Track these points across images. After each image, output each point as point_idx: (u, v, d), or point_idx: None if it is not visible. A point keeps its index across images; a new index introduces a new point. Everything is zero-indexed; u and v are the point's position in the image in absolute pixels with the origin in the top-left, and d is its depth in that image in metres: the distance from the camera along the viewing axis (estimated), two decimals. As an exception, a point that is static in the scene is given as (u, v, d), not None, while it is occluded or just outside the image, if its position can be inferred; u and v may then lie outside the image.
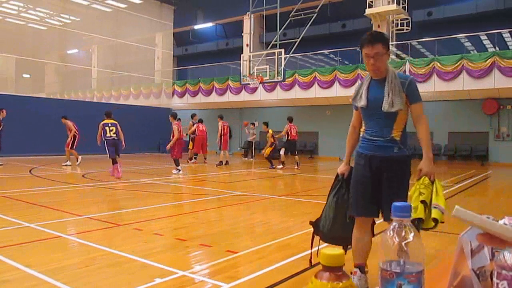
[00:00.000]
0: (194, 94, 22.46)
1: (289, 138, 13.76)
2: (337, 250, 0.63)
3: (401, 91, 2.69)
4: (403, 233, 0.67)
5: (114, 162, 10.37)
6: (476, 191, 9.25)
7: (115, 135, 10.53)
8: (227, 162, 14.72)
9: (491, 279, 0.71)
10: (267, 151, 14.08)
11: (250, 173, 13.09)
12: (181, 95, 23.11)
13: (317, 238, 3.04)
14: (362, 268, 2.82)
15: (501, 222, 0.81)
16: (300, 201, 7.40)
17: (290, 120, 13.99)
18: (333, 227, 2.89)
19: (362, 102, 2.79)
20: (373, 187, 2.78)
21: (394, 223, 0.68)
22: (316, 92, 18.56)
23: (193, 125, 15.41)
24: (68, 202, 7.07)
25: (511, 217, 0.82)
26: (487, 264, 0.80)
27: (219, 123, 14.86)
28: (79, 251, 4.07)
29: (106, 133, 10.48)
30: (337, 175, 3.03)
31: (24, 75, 23.59)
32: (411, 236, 0.66)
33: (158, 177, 11.00)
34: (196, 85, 22.35)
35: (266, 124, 14.83)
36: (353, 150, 3.02)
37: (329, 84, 18.10)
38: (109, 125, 10.60)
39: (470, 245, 0.79)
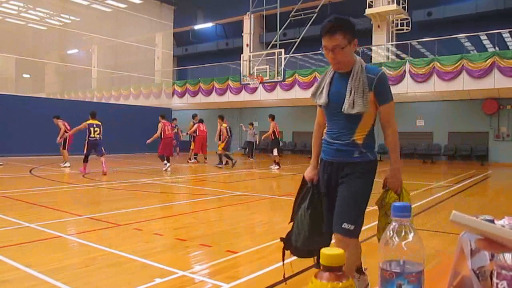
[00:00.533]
0: (194, 94, 22.46)
1: (275, 136, 13.82)
2: (337, 250, 0.63)
3: (367, 89, 2.30)
4: (403, 233, 0.67)
5: (86, 160, 11.09)
6: (476, 191, 9.24)
7: (98, 136, 10.99)
8: (227, 162, 14.71)
9: (491, 279, 0.71)
10: (220, 147, 14.11)
11: (250, 173, 13.08)
12: (181, 95, 23.11)
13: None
14: (359, 269, 2.68)
15: (500, 222, 0.81)
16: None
17: (273, 118, 14.05)
18: (309, 241, 2.54)
19: (322, 100, 2.43)
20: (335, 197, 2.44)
21: (394, 223, 0.68)
22: (316, 92, 18.52)
23: (193, 125, 15.42)
24: (68, 202, 7.07)
25: (511, 217, 0.82)
26: (487, 264, 0.80)
27: (224, 125, 14.52)
28: (79, 251, 4.07)
29: (90, 134, 10.90)
30: (304, 182, 2.62)
31: (24, 75, 23.60)
32: (411, 236, 0.66)
33: (158, 177, 10.99)
34: (196, 85, 22.35)
35: (221, 117, 14.46)
36: (320, 150, 2.61)
37: (329, 84, 18.06)
38: (94, 126, 10.98)
39: (470, 245, 0.79)
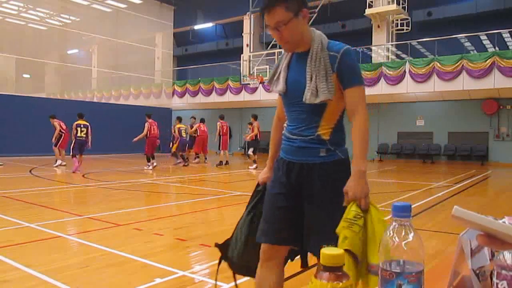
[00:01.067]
0: (194, 94, 22.46)
1: (257, 136, 13.93)
2: (337, 250, 0.63)
3: (330, 71, 1.83)
4: (403, 233, 0.67)
5: (74, 156, 11.68)
6: (476, 191, 9.24)
7: (85, 135, 11.83)
8: (227, 162, 14.72)
9: (491, 279, 0.71)
10: (173, 147, 14.34)
11: (250, 173, 13.09)
12: (181, 95, 23.11)
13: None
14: None
15: (501, 222, 0.81)
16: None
17: (256, 117, 14.15)
18: (245, 254, 2.06)
19: (279, 87, 1.98)
20: (291, 206, 1.94)
21: (394, 223, 0.68)
22: (316, 92, 18.53)
23: (195, 120, 15.58)
24: (68, 202, 7.07)
25: (511, 217, 0.82)
26: (487, 264, 0.80)
27: (218, 123, 14.83)
28: (79, 251, 4.07)
29: (77, 133, 11.73)
30: (258, 185, 2.20)
31: (24, 75, 23.59)
32: (411, 236, 0.66)
33: (158, 177, 11.00)
34: (196, 85, 22.36)
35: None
36: (279, 149, 2.11)
37: (329, 84, 18.08)
38: (81, 126, 11.84)
39: (470, 245, 0.79)
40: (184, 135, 14.26)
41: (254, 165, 13.56)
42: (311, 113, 1.90)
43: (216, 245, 2.19)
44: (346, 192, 1.76)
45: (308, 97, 1.84)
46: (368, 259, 1.61)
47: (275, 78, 2.03)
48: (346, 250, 1.50)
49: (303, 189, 1.91)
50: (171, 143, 15.69)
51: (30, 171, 11.78)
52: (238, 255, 2.09)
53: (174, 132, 14.55)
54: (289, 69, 1.97)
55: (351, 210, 1.67)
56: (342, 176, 1.83)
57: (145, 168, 12.87)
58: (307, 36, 1.90)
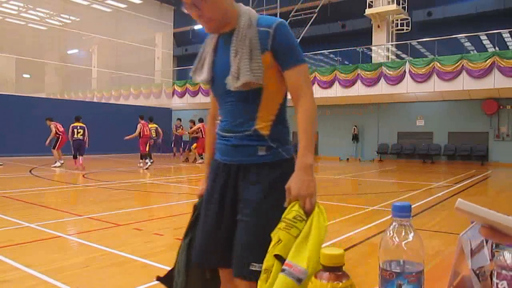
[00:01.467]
0: (194, 94, 22.47)
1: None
2: (337, 249, 0.63)
3: (257, 49, 1.51)
4: (403, 233, 0.67)
5: (75, 157, 12.42)
6: (476, 191, 9.25)
7: (81, 137, 12.46)
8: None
9: (491, 279, 0.71)
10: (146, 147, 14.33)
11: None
12: (181, 95, 23.12)
13: None
14: None
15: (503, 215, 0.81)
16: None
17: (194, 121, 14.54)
18: (189, 286, 1.70)
19: (202, 75, 1.67)
20: (225, 216, 1.60)
21: (394, 223, 0.68)
22: (316, 92, 18.54)
23: (194, 125, 15.51)
24: (68, 202, 7.08)
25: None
26: (487, 264, 0.81)
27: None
28: (79, 251, 4.07)
29: (74, 135, 12.39)
30: (197, 203, 1.83)
31: (24, 75, 23.60)
32: (411, 236, 0.66)
33: (158, 177, 11.00)
34: (196, 85, 22.35)
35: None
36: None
37: (329, 84, 18.11)
38: (78, 127, 12.49)
39: (470, 245, 0.79)
40: (155, 135, 14.11)
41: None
42: (245, 103, 1.57)
43: (158, 278, 1.79)
44: (288, 189, 1.46)
45: (229, 81, 1.53)
46: (288, 260, 1.26)
47: (199, 65, 1.73)
48: (276, 255, 1.29)
49: (239, 196, 1.56)
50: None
51: (30, 171, 11.79)
52: (181, 287, 1.70)
53: (146, 132, 13.89)
54: (216, 54, 1.65)
55: (292, 210, 1.38)
56: (283, 177, 1.50)
57: (138, 165, 13.42)
58: (232, 13, 1.57)
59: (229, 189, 1.60)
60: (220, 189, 1.62)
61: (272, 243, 1.33)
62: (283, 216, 1.39)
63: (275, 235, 1.35)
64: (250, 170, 1.56)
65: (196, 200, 1.85)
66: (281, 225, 1.36)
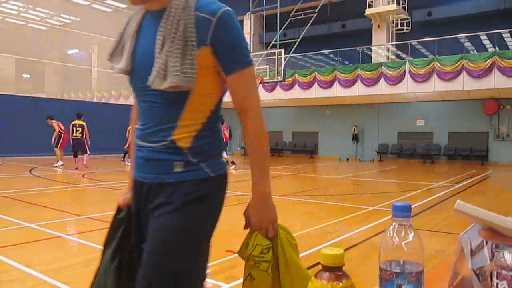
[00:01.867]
0: (194, 94, 22.48)
1: (224, 140, 14.05)
2: (337, 249, 0.63)
3: (193, 41, 1.17)
4: (403, 233, 0.67)
5: (75, 156, 12.48)
6: (476, 191, 9.25)
7: (80, 135, 12.34)
8: (233, 162, 14.75)
9: (491, 279, 0.71)
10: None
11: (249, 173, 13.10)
12: (181, 95, 23.14)
13: None
14: None
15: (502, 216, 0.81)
16: (300, 201, 7.40)
17: (223, 121, 14.29)
18: None
19: (121, 63, 1.31)
20: (138, 242, 1.33)
21: (394, 223, 0.68)
22: (316, 92, 18.57)
23: None
24: (68, 202, 7.08)
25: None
26: (487, 264, 0.80)
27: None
28: (79, 251, 4.07)
29: (73, 133, 12.33)
30: (119, 209, 1.51)
31: (24, 75, 23.63)
32: (411, 236, 0.66)
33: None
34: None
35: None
36: None
37: (329, 84, 18.12)
38: (77, 126, 12.40)
39: (470, 245, 0.79)
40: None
41: (233, 166, 13.72)
42: (167, 105, 1.23)
43: None
44: (247, 218, 1.33)
45: (152, 78, 1.18)
46: None
47: (118, 50, 1.38)
48: None
49: (149, 220, 1.27)
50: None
51: (30, 171, 11.79)
52: None
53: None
54: (139, 36, 1.30)
55: (256, 245, 1.28)
56: (208, 204, 1.27)
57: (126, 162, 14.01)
58: None
59: (143, 211, 1.31)
60: (136, 211, 1.36)
61: (247, 281, 1.28)
62: (248, 252, 1.29)
63: (247, 272, 1.29)
64: (164, 190, 1.24)
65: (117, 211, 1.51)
66: (251, 263, 1.28)
